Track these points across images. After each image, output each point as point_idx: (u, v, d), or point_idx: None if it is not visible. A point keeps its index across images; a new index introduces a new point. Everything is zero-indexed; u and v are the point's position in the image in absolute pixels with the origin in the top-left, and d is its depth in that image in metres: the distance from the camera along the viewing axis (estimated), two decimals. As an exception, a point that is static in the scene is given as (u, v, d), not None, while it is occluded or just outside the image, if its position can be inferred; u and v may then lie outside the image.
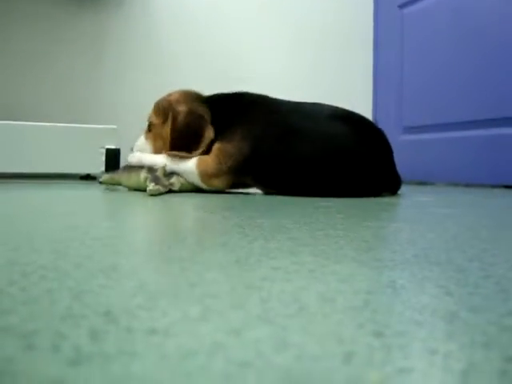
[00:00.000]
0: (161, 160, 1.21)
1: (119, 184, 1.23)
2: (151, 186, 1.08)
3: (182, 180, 1.18)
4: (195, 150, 1.20)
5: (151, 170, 1.16)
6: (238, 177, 1.20)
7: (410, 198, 1.17)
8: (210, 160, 1.18)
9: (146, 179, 1.13)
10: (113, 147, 1.56)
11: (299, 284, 0.30)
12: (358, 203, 0.96)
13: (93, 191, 1.19)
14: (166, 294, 0.27)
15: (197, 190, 1.19)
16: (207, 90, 1.36)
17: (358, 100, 2.46)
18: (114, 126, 1.59)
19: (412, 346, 0.20)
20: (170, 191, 1.16)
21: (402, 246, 0.45)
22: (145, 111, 2.21)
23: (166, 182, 1.14)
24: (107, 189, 1.26)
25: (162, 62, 2.30)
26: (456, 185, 1.96)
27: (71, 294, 0.27)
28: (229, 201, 0.98)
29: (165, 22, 2.31)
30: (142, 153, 1.27)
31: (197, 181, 1.18)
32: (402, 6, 2.32)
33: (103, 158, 1.55)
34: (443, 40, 2.06)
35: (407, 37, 2.28)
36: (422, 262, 0.38)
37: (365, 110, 2.45)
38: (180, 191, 1.17)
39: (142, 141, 1.31)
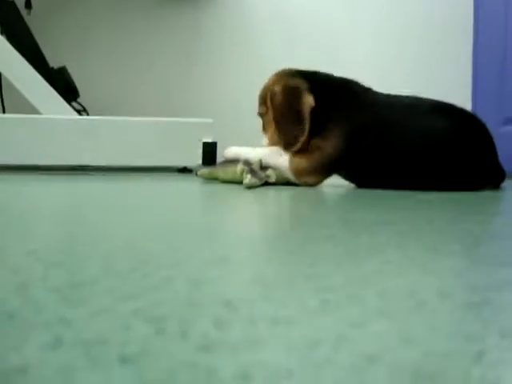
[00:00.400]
0: (255, 154, 1.21)
1: (216, 178, 1.25)
2: (247, 179, 1.09)
3: (277, 172, 1.19)
4: (300, 125, 1.17)
5: (247, 163, 1.17)
6: (331, 174, 1.19)
7: (511, 191, 1.11)
8: (303, 157, 1.16)
9: (242, 172, 1.15)
10: (209, 141, 1.59)
11: (414, 278, 0.29)
12: (458, 197, 0.93)
13: (191, 184, 1.22)
14: (281, 285, 0.27)
15: (292, 183, 1.19)
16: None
17: (456, 89, 2.37)
18: (211, 120, 1.63)
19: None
20: (266, 183, 1.16)
21: (511, 242, 0.43)
22: (241, 106, 2.25)
23: (263, 175, 1.15)
24: (204, 182, 1.29)
25: (257, 57, 2.33)
26: None
27: (190, 282, 0.28)
28: (326, 194, 0.98)
29: (259, 15, 2.32)
30: (240, 147, 1.28)
31: (290, 176, 1.18)
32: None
33: (200, 152, 1.59)
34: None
35: (511, 21, 2.15)
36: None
37: (463, 99, 2.36)
38: (276, 183, 1.18)
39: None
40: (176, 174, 1.74)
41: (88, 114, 1.88)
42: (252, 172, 1.13)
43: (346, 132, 1.13)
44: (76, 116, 1.60)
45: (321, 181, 1.18)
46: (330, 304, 0.24)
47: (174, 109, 2.28)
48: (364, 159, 1.13)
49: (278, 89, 1.21)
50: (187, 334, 0.20)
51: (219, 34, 2.32)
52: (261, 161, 1.18)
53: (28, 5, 1.99)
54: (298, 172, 1.17)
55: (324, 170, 1.16)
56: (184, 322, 0.21)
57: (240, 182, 1.15)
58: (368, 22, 2.35)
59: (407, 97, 1.18)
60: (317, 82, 1.22)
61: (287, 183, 1.19)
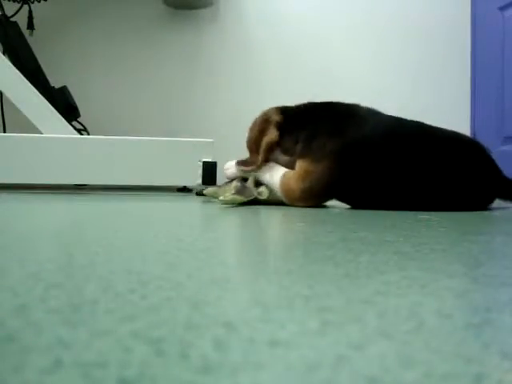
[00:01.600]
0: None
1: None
2: (222, 197, 1.10)
3: (272, 191, 1.18)
4: (257, 155, 1.20)
5: (243, 179, 1.18)
6: (324, 199, 1.17)
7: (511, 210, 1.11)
8: (294, 181, 1.14)
9: (235, 188, 1.15)
10: (209, 160, 1.60)
11: (414, 299, 0.29)
12: (458, 217, 0.93)
13: (190, 203, 1.23)
14: (281, 306, 0.27)
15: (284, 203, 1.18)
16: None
17: (456, 109, 2.38)
18: (211, 140, 1.63)
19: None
20: (254, 201, 1.15)
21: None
22: (240, 125, 2.25)
23: (254, 192, 1.15)
24: (204, 201, 1.28)
25: (257, 76, 2.34)
26: None
27: (189, 303, 0.28)
28: (323, 214, 0.98)
29: (258, 38, 2.34)
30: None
31: (281, 197, 1.18)
32: (502, 8, 2.21)
33: (200, 171, 1.59)
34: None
35: (508, 41, 2.17)
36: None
37: (463, 119, 2.37)
38: (267, 201, 1.17)
39: None
40: (176, 193, 1.74)
41: (89, 134, 1.89)
42: (242, 189, 1.13)
43: (339, 155, 1.10)
44: (77, 135, 1.61)
45: (313, 205, 1.16)
46: (329, 325, 0.24)
47: (175, 128, 2.29)
48: (357, 185, 1.11)
49: (258, 119, 1.24)
50: (187, 355, 0.20)
51: (219, 55, 2.34)
52: (255, 177, 1.18)
53: (30, 25, 2.01)
54: (288, 195, 1.15)
55: (317, 196, 1.15)
56: (184, 344, 0.21)
57: (243, 203, 1.14)
58: (367, 43, 2.37)
59: (403, 120, 1.16)
60: (297, 111, 1.22)
61: (281, 203, 1.18)
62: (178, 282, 0.33)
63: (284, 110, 1.23)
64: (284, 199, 1.16)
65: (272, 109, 1.25)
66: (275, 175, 1.18)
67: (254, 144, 1.22)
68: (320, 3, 2.35)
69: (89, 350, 0.20)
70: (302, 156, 1.14)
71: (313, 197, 1.14)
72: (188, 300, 0.28)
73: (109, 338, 0.21)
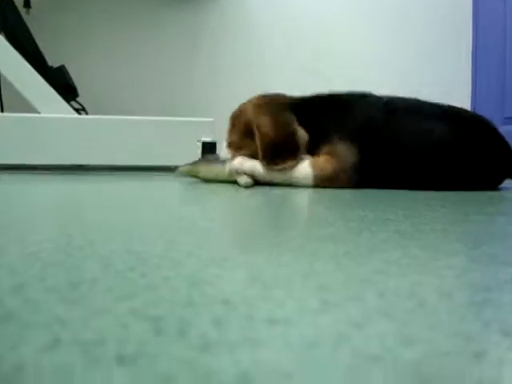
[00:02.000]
0: (259, 167, 1.15)
1: (196, 175, 1.22)
2: (243, 180, 1.09)
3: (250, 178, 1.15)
4: (294, 156, 1.12)
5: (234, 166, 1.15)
6: (355, 179, 1.11)
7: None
8: (324, 162, 1.11)
9: (231, 173, 1.14)
10: (209, 140, 1.59)
11: (414, 278, 0.29)
12: (460, 196, 0.93)
13: (190, 184, 1.22)
14: (280, 284, 0.27)
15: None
16: (299, 85, 1.35)
17: (456, 88, 2.37)
18: (211, 119, 1.62)
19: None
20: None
21: (517, 242, 0.42)
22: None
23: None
24: (205, 180, 1.26)
25: (256, 57, 2.32)
26: None
27: (188, 282, 0.27)
28: (323, 193, 0.97)
29: (259, 17, 2.32)
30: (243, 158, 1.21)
31: (309, 183, 1.12)
32: (504, -8, 2.19)
33: (199, 151, 1.58)
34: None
35: (510, 22, 2.15)
36: (542, 258, 0.36)
37: (463, 98, 2.36)
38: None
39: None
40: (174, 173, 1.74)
41: (87, 113, 1.88)
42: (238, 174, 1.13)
43: (356, 137, 1.10)
44: (75, 115, 1.60)
45: (345, 184, 1.10)
46: (329, 304, 0.24)
47: (175, 108, 2.28)
48: (374, 165, 1.10)
49: (264, 121, 1.16)
50: (186, 333, 0.20)
51: (221, 33, 2.31)
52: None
53: (27, 3, 1.99)
54: (322, 179, 1.11)
55: (349, 175, 1.10)
56: (182, 322, 0.21)
57: (223, 181, 1.16)
58: (369, 24, 2.35)
59: (412, 100, 1.16)
60: (309, 103, 1.20)
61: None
62: (177, 260, 0.33)
63: (291, 106, 1.19)
64: (313, 183, 1.12)
65: (278, 106, 1.20)
66: (298, 166, 1.13)
67: (273, 148, 1.14)
68: (320, -19, 2.33)
69: (87, 328, 0.20)
70: (320, 142, 1.14)
71: (346, 175, 1.10)
72: (187, 278, 0.28)
73: (107, 316, 0.21)
